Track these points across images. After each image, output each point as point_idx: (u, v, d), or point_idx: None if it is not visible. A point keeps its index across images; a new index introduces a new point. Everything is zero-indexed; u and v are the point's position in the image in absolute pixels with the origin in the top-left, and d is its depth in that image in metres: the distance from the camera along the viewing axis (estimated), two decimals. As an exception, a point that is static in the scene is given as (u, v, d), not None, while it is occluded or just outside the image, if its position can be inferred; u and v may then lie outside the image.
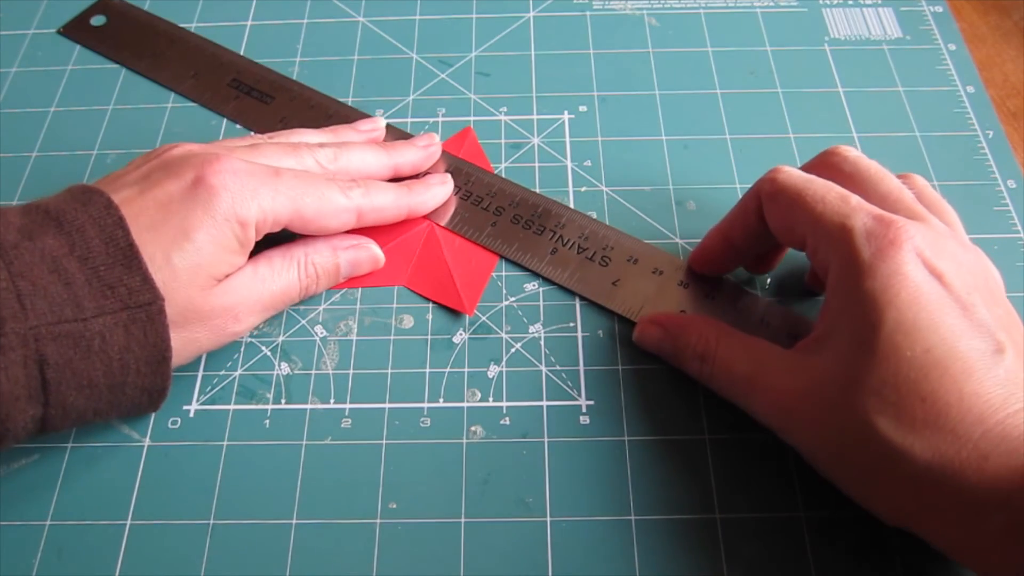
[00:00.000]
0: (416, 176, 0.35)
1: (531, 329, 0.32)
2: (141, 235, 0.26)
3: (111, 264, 0.25)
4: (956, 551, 0.23)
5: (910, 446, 0.22)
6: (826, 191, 0.26)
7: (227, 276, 0.28)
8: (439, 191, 0.34)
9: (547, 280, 0.33)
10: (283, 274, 0.30)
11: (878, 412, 0.23)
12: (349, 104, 0.39)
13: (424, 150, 0.35)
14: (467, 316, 0.32)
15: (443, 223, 0.34)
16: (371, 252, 0.33)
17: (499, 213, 0.34)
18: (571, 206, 0.35)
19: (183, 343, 0.27)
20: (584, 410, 0.30)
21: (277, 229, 0.30)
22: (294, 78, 0.40)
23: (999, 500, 0.21)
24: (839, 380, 0.24)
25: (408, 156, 0.34)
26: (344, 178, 0.32)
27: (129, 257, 0.25)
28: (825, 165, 0.28)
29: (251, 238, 0.29)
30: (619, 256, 0.33)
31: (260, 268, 0.30)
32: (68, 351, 0.24)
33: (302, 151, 0.32)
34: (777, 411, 0.26)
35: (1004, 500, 0.21)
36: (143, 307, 0.25)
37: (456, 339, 0.32)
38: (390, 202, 0.32)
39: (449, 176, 0.35)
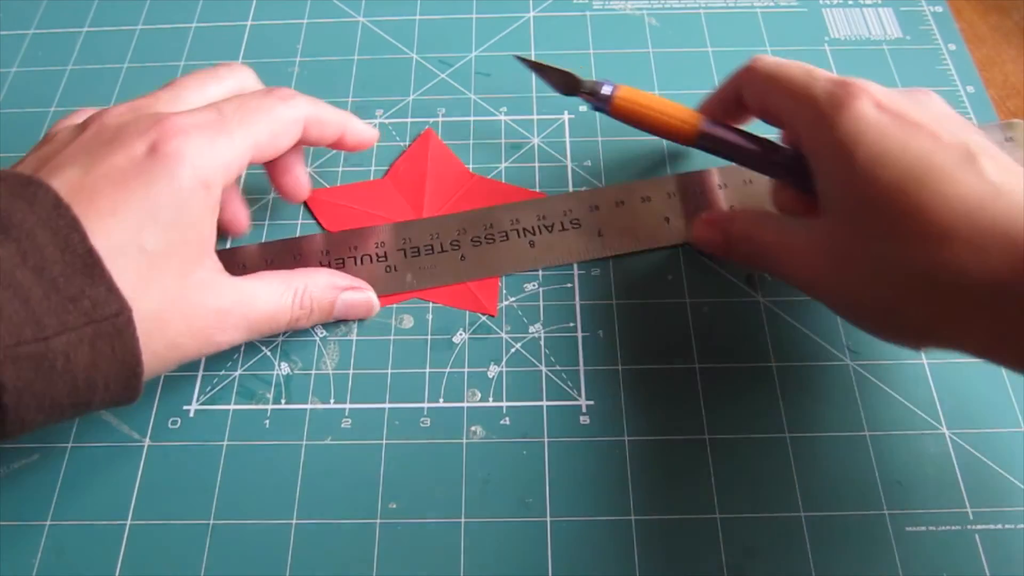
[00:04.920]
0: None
1: (531, 329, 0.32)
2: (106, 223, 0.23)
3: (70, 274, 0.22)
4: (984, 351, 0.24)
5: (912, 261, 0.24)
6: (792, 68, 0.28)
7: (203, 258, 0.26)
8: (370, 128, 0.33)
9: (550, 267, 0.33)
10: (276, 297, 0.29)
11: (876, 240, 0.25)
12: (349, 103, 0.39)
13: (369, 127, 0.33)
14: (467, 316, 0.32)
15: (412, 283, 0.33)
16: (368, 298, 0.31)
17: (456, 247, 0.33)
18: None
19: (166, 347, 0.25)
20: (584, 410, 0.30)
21: (243, 171, 0.28)
22: (294, 78, 0.40)
23: (1004, 293, 0.22)
24: (842, 230, 0.26)
25: (358, 123, 0.32)
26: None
27: (89, 264, 0.23)
28: (748, 73, 0.30)
29: (218, 199, 0.26)
30: (582, 211, 0.34)
31: (251, 281, 0.28)
32: (28, 374, 0.22)
33: (221, 72, 0.30)
34: (806, 271, 0.28)
35: (1008, 290, 0.22)
36: (109, 319, 0.23)
37: (456, 339, 0.32)
38: (330, 114, 0.31)
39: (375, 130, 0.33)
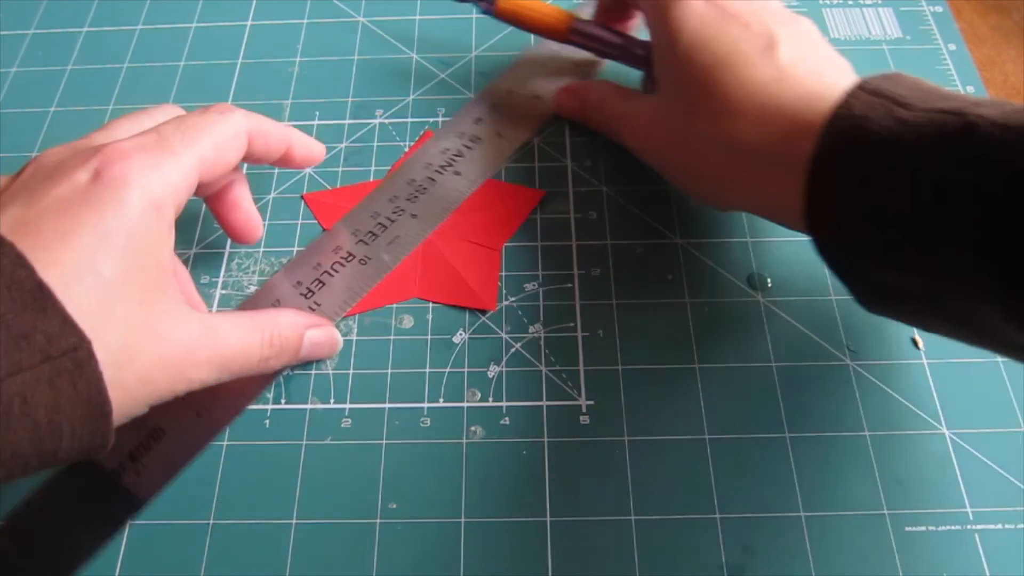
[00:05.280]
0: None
1: (531, 329, 0.32)
2: (54, 252, 0.22)
3: (19, 310, 0.21)
4: (766, 213, 0.29)
5: (707, 132, 0.28)
6: None
7: (165, 283, 0.25)
8: (316, 144, 0.32)
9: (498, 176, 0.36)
10: (244, 333, 0.27)
11: (686, 114, 0.29)
12: (349, 103, 0.39)
13: (317, 143, 0.33)
14: (467, 316, 0.32)
15: (390, 260, 0.33)
16: (332, 336, 0.31)
17: (400, 212, 0.34)
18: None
19: (136, 381, 0.23)
20: (584, 410, 0.30)
21: (191, 195, 0.27)
22: (294, 78, 0.40)
23: (772, 157, 0.26)
24: (665, 101, 0.31)
25: (303, 137, 0.32)
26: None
27: (39, 298, 0.21)
28: None
29: (171, 222, 0.26)
30: (472, 127, 0.37)
31: (221, 320, 0.27)
32: None
33: (151, 110, 0.29)
34: (635, 136, 0.33)
35: (776, 156, 0.26)
36: (67, 354, 0.21)
37: (456, 339, 0.32)
38: (271, 125, 0.30)
39: (322, 146, 0.33)
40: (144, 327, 0.24)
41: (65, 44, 0.42)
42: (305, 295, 0.32)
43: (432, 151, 0.36)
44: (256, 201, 0.35)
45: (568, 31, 0.35)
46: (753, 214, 0.31)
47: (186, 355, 0.25)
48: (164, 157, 0.25)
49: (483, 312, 0.32)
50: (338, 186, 0.36)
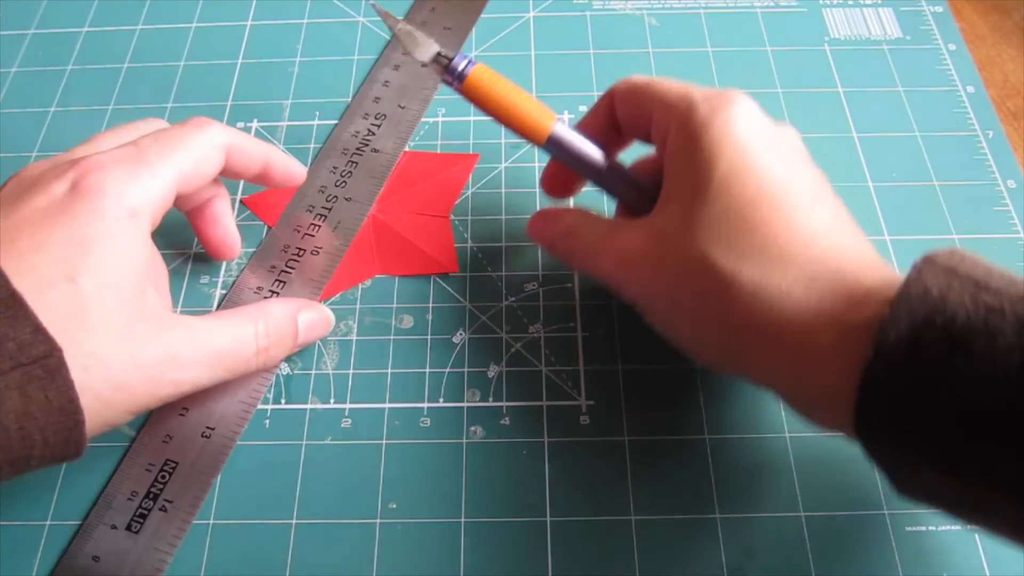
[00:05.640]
0: None
1: (531, 329, 0.32)
2: (29, 260, 0.22)
3: None
4: (791, 393, 0.24)
5: (739, 272, 0.23)
6: (670, 80, 0.28)
7: (143, 289, 0.25)
8: (295, 164, 0.32)
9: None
10: (236, 328, 0.27)
11: (711, 244, 0.24)
12: (349, 103, 0.39)
13: (294, 163, 0.32)
14: (467, 316, 0.32)
15: (340, 245, 0.34)
16: (325, 314, 0.31)
17: (333, 200, 0.35)
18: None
19: (112, 388, 0.23)
20: (584, 410, 0.30)
21: (169, 206, 0.27)
22: (294, 78, 0.40)
23: (825, 320, 0.22)
24: (678, 226, 0.25)
25: (280, 155, 0.32)
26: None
27: (11, 307, 0.21)
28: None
29: (147, 230, 0.26)
30: (383, 74, 0.39)
31: (209, 319, 0.27)
32: None
33: (136, 123, 0.29)
34: (621, 264, 0.27)
35: (830, 320, 0.22)
36: (38, 361, 0.21)
37: (456, 339, 0.32)
38: (253, 144, 0.30)
39: (303, 167, 0.33)
40: (120, 332, 0.23)
41: (65, 44, 0.42)
42: (269, 297, 0.32)
43: (344, 137, 0.37)
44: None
45: (545, 137, 0.29)
46: (759, 384, 0.25)
47: (167, 358, 0.24)
48: (140, 168, 0.26)
49: (483, 312, 0.32)
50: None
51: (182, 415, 0.29)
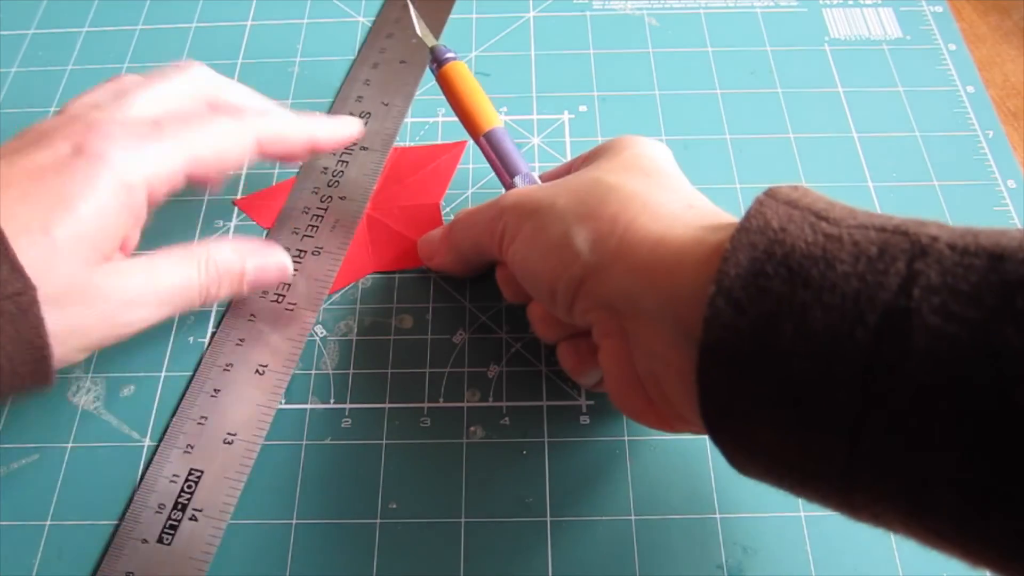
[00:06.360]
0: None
1: (531, 329, 0.32)
2: (12, 208, 0.24)
3: None
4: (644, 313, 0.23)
5: (625, 182, 0.25)
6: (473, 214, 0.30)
7: (116, 251, 0.27)
8: (347, 126, 0.32)
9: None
10: (181, 266, 0.28)
11: (604, 173, 0.26)
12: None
13: (343, 126, 0.33)
14: (467, 316, 0.32)
15: (341, 243, 0.34)
16: (278, 260, 0.30)
17: (328, 200, 0.35)
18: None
19: (67, 331, 0.25)
20: (584, 410, 0.30)
21: (178, 184, 0.28)
22: (294, 78, 0.40)
23: (692, 236, 0.22)
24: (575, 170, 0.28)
25: (325, 126, 0.32)
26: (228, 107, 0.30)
27: None
28: None
29: (141, 203, 0.27)
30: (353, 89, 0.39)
31: (156, 258, 0.27)
32: None
33: (169, 72, 0.30)
34: (522, 196, 0.27)
35: (695, 239, 0.22)
36: (11, 298, 0.23)
37: (456, 339, 0.32)
38: (290, 128, 0.30)
39: (358, 120, 0.33)
40: (83, 282, 0.25)
41: (65, 44, 0.42)
42: (277, 300, 0.32)
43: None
44: (189, 204, 0.35)
45: (480, 136, 0.32)
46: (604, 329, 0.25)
47: (121, 304, 0.26)
48: (148, 143, 0.27)
49: (483, 312, 0.32)
50: (270, 186, 0.36)
51: (201, 424, 0.29)
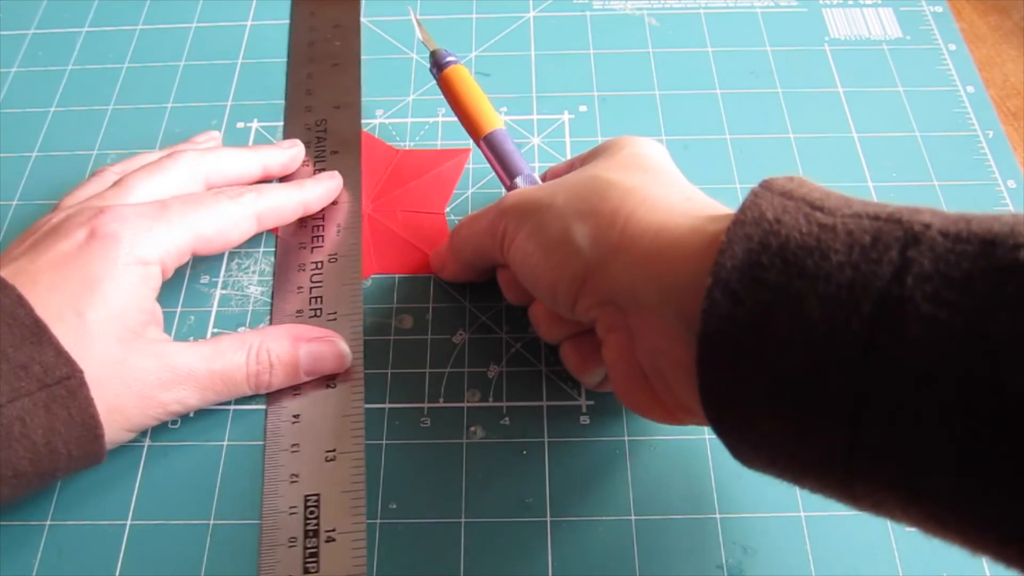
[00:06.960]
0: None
1: (531, 329, 0.32)
2: (45, 298, 0.25)
3: (19, 344, 0.24)
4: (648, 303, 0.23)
5: (624, 178, 0.25)
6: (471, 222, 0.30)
7: (146, 327, 0.27)
8: (330, 184, 0.34)
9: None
10: (229, 355, 0.28)
11: (603, 170, 0.26)
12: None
13: (287, 150, 0.35)
14: (467, 316, 0.32)
15: (353, 244, 0.34)
16: (336, 348, 0.30)
17: (320, 213, 0.35)
18: None
19: (108, 409, 0.25)
20: (584, 410, 0.30)
21: (184, 260, 0.29)
22: (294, 78, 0.40)
23: (691, 226, 0.23)
24: (574, 169, 0.29)
25: (274, 156, 0.35)
26: (221, 183, 0.32)
27: (36, 333, 0.24)
28: None
29: (157, 277, 0.28)
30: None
31: (202, 345, 0.28)
32: None
33: (171, 167, 0.31)
34: (521, 197, 0.28)
35: (692, 229, 0.23)
36: (61, 382, 0.24)
37: (456, 339, 0.32)
38: (284, 200, 0.32)
39: (336, 172, 0.35)
40: (118, 360, 0.26)
41: (65, 44, 0.42)
42: (315, 315, 0.32)
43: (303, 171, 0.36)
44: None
45: (480, 138, 0.32)
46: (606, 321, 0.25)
47: (157, 382, 0.27)
48: (158, 223, 0.28)
49: (483, 312, 0.32)
50: None
51: (295, 451, 0.29)
